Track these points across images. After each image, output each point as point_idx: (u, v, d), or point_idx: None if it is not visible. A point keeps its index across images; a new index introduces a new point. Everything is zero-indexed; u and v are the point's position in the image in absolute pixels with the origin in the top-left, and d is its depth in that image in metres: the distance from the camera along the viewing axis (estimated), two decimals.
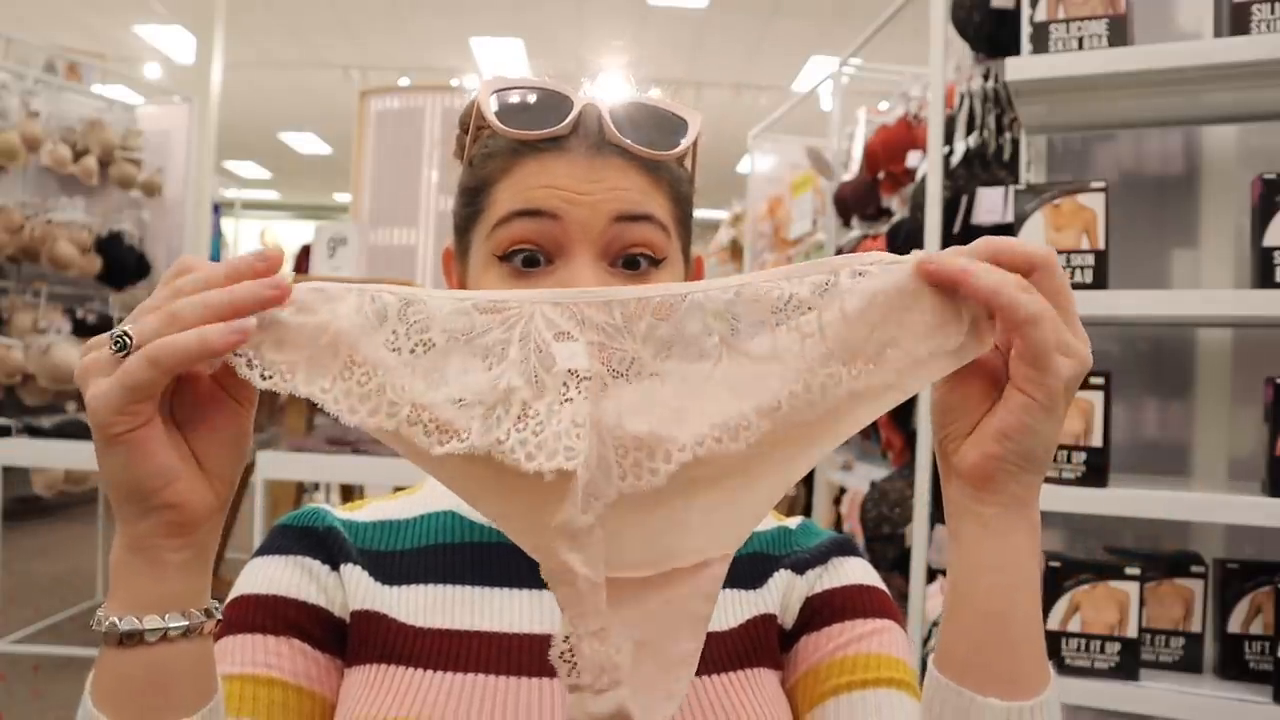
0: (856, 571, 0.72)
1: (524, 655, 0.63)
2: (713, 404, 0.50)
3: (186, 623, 0.49)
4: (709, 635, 0.63)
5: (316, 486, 5.06)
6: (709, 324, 0.51)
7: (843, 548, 0.74)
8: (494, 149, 0.64)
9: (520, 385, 0.49)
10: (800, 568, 0.72)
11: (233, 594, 0.67)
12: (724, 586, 0.65)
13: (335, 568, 0.67)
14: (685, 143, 0.65)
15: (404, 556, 0.68)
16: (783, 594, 0.70)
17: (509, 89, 0.64)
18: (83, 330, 5.32)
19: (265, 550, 0.69)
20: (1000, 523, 0.51)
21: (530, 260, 0.62)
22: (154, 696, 0.48)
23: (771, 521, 0.77)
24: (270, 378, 0.48)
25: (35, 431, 3.43)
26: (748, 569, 0.71)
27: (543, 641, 0.62)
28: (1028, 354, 0.49)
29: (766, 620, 0.69)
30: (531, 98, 0.64)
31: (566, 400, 0.48)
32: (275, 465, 3.10)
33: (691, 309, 0.50)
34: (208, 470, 0.49)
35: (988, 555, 0.51)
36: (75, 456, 3.41)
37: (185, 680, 0.49)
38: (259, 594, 0.66)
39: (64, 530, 5.20)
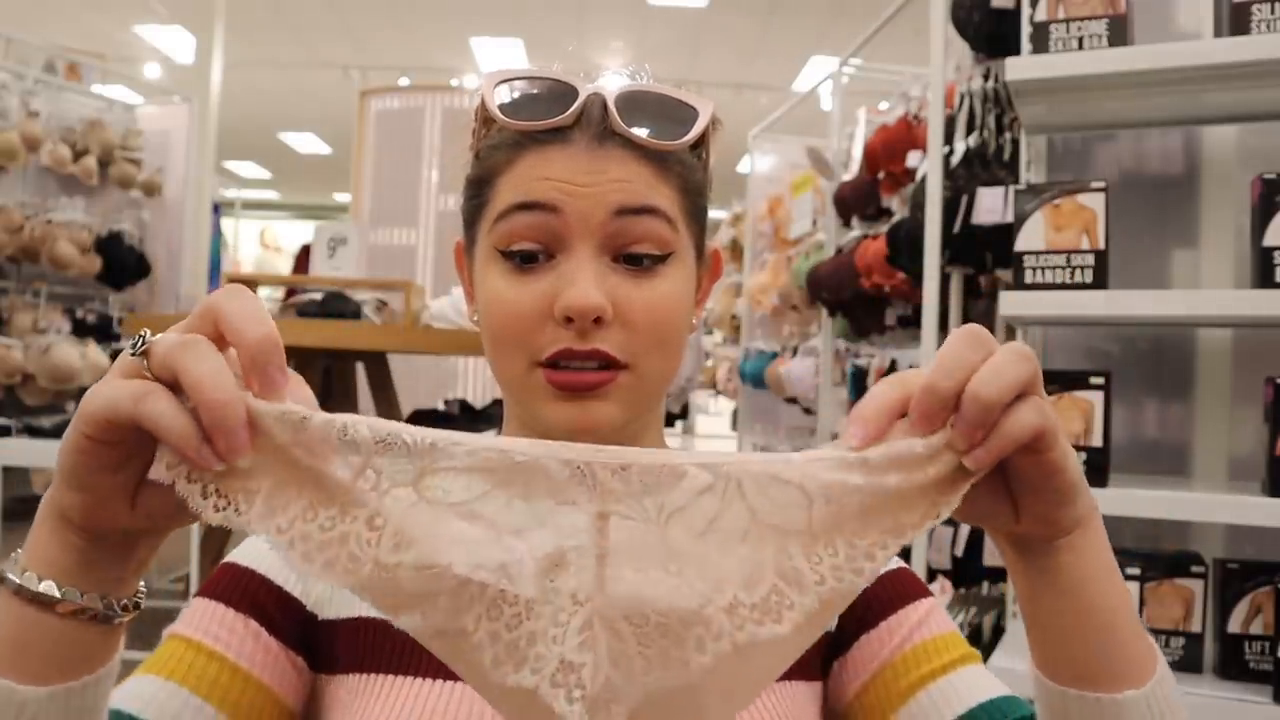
0: (910, 584, 0.70)
1: None
2: (737, 574, 0.43)
3: (96, 607, 0.44)
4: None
5: None
6: (737, 501, 0.44)
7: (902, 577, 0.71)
8: (499, 141, 0.63)
9: (504, 561, 0.42)
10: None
11: (232, 554, 0.67)
12: None
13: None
14: (694, 131, 0.62)
15: None
16: None
17: (513, 80, 0.63)
18: (83, 330, 5.32)
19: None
20: (1073, 548, 0.50)
21: (528, 257, 0.61)
22: (33, 658, 0.44)
23: None
24: (223, 509, 0.41)
25: (35, 431, 3.43)
26: None
27: None
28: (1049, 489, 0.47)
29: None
30: (536, 88, 0.62)
31: (558, 594, 0.42)
32: None
33: (723, 483, 0.44)
34: (136, 510, 0.45)
35: (1076, 572, 0.50)
36: None
37: (73, 650, 0.45)
38: (240, 565, 0.66)
39: None
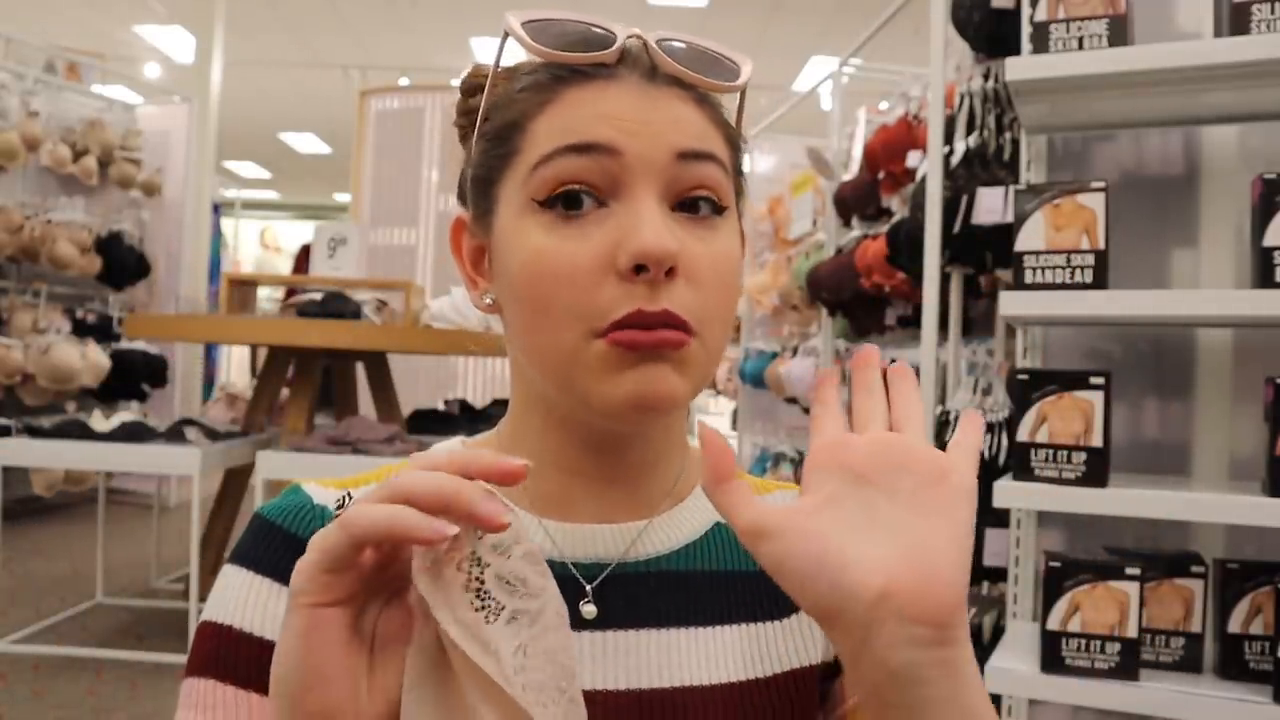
0: None
1: None
2: None
3: None
4: (743, 683, 0.59)
5: None
6: None
7: None
8: (529, 83, 0.55)
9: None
10: None
11: (205, 609, 0.59)
12: (750, 619, 0.61)
13: None
14: (743, 77, 0.57)
15: None
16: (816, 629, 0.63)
17: (541, 20, 0.55)
18: (83, 330, 5.32)
19: (241, 556, 0.60)
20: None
21: (574, 201, 0.53)
22: None
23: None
24: (480, 607, 0.45)
25: (35, 431, 3.42)
26: (771, 589, 0.63)
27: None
28: None
29: (807, 677, 0.61)
30: (568, 29, 0.55)
31: None
32: (275, 465, 3.10)
33: None
34: (374, 685, 0.45)
35: None
36: (75, 456, 3.41)
37: None
38: (223, 624, 0.57)
39: (64, 530, 5.20)
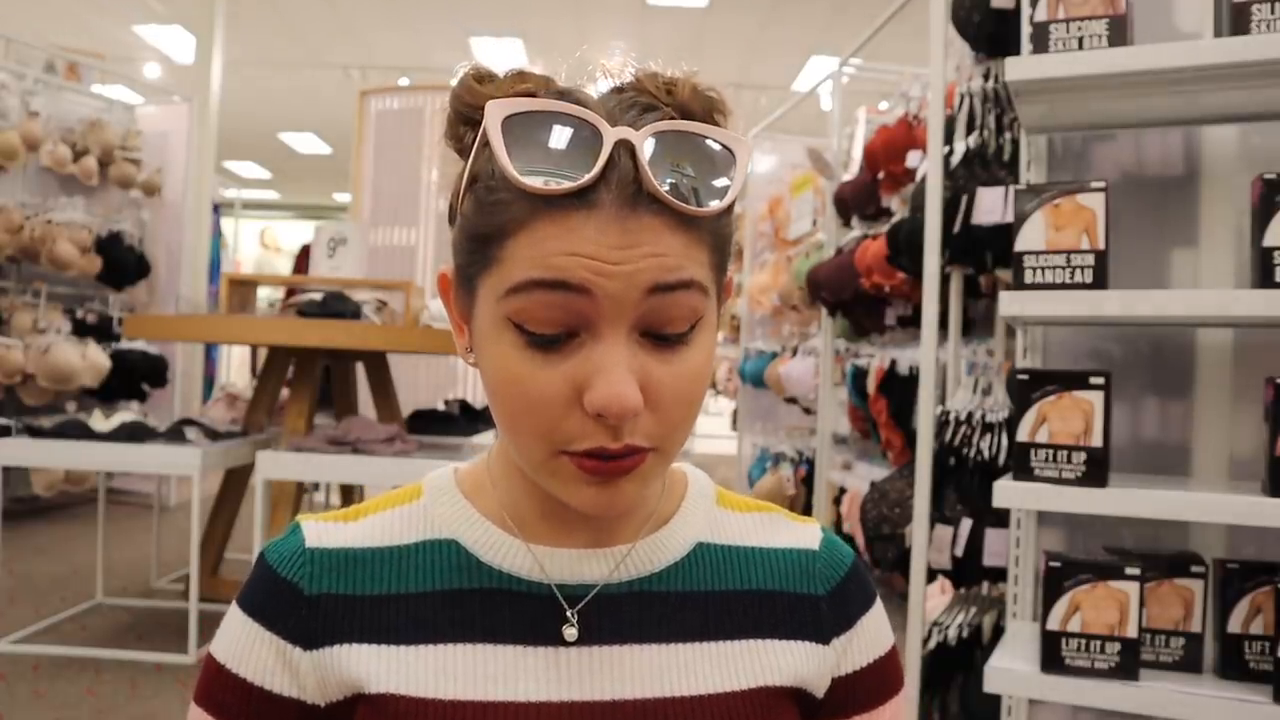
0: (879, 629, 0.69)
1: None
2: None
3: None
4: (711, 697, 0.61)
5: (316, 486, 5.05)
6: None
7: (862, 591, 0.68)
8: (505, 195, 0.54)
9: None
10: (825, 634, 0.66)
11: (213, 647, 0.63)
12: (727, 636, 0.63)
13: (317, 646, 0.60)
14: (735, 188, 0.55)
15: (409, 602, 0.61)
16: (806, 664, 0.65)
17: (523, 112, 0.53)
18: (83, 330, 5.32)
19: (243, 599, 0.63)
20: None
21: (550, 340, 0.54)
22: None
23: (784, 534, 0.69)
24: None
25: (35, 431, 3.42)
26: (760, 609, 0.65)
27: (559, 711, 0.58)
28: None
29: (779, 695, 0.63)
30: (552, 129, 0.53)
31: None
32: (275, 465, 3.10)
33: None
34: None
35: None
36: (75, 456, 3.41)
37: None
38: (220, 663, 0.62)
39: (64, 530, 5.20)
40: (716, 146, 0.55)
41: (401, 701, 0.58)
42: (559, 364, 0.54)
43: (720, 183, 0.55)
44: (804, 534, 0.69)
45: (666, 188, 0.52)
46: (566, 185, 0.51)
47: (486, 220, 0.55)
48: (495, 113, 0.53)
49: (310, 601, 0.61)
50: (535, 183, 0.52)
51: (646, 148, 0.52)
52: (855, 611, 0.67)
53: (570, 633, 0.60)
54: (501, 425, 0.58)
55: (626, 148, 0.52)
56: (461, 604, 0.61)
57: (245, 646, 0.61)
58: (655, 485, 0.59)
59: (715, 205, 0.54)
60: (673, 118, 0.56)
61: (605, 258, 0.52)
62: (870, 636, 0.68)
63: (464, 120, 0.59)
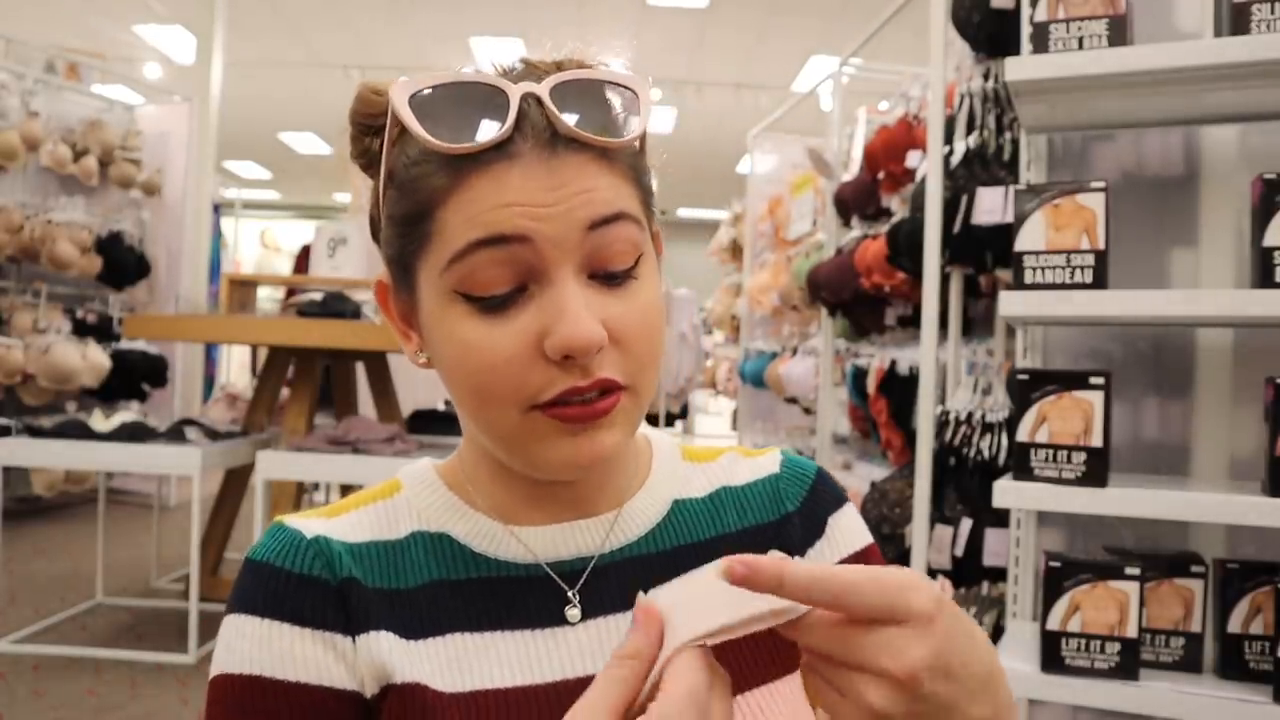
0: (851, 527, 0.69)
1: (551, 709, 0.58)
2: None
3: None
4: (735, 642, 0.61)
5: (316, 486, 5.06)
6: None
7: (829, 493, 0.70)
8: (428, 165, 0.55)
9: None
10: (801, 548, 0.67)
11: (215, 662, 0.57)
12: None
13: (353, 635, 0.57)
14: (643, 118, 0.57)
15: (414, 596, 0.60)
16: None
17: (427, 89, 0.55)
18: (83, 330, 5.32)
19: (244, 604, 0.57)
20: None
21: (501, 303, 0.54)
22: None
23: (745, 470, 0.70)
24: None
25: (35, 431, 3.42)
26: (744, 548, 0.66)
27: (575, 687, 0.57)
28: None
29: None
30: (457, 96, 0.54)
31: None
32: (275, 465, 3.10)
33: None
34: None
35: None
36: (75, 456, 3.41)
37: None
38: (243, 674, 0.55)
39: (64, 530, 5.20)
40: (618, 86, 0.57)
41: (427, 693, 0.57)
42: (513, 321, 0.54)
43: (628, 117, 0.57)
44: (765, 463, 0.71)
45: (582, 128, 0.54)
46: (485, 140, 0.53)
47: (413, 199, 0.56)
48: (400, 94, 0.55)
49: (339, 589, 0.58)
50: (454, 143, 0.53)
51: (553, 97, 0.54)
52: (823, 513, 0.69)
53: (573, 613, 0.61)
54: (467, 404, 0.58)
55: (533, 98, 0.54)
56: (463, 595, 0.61)
57: (262, 645, 0.56)
58: (630, 435, 0.59)
59: (630, 134, 0.56)
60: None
61: (537, 201, 0.53)
62: (842, 535, 0.69)
63: (367, 132, 0.62)
